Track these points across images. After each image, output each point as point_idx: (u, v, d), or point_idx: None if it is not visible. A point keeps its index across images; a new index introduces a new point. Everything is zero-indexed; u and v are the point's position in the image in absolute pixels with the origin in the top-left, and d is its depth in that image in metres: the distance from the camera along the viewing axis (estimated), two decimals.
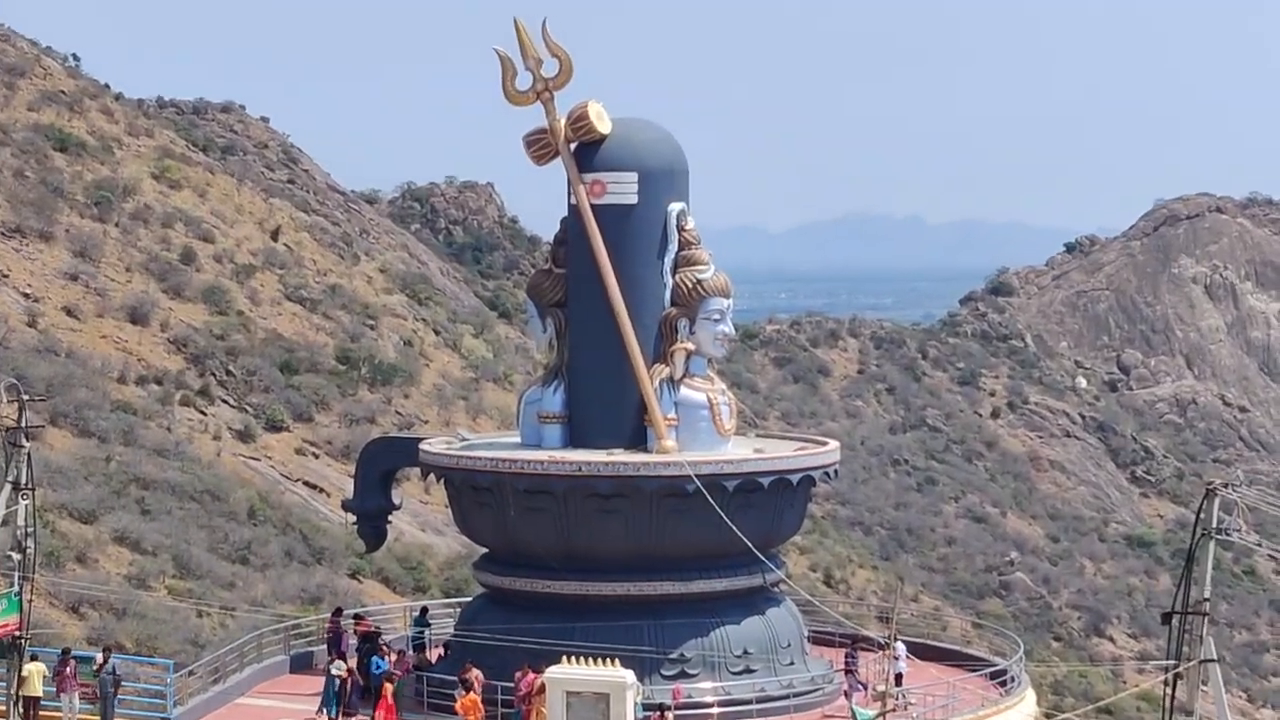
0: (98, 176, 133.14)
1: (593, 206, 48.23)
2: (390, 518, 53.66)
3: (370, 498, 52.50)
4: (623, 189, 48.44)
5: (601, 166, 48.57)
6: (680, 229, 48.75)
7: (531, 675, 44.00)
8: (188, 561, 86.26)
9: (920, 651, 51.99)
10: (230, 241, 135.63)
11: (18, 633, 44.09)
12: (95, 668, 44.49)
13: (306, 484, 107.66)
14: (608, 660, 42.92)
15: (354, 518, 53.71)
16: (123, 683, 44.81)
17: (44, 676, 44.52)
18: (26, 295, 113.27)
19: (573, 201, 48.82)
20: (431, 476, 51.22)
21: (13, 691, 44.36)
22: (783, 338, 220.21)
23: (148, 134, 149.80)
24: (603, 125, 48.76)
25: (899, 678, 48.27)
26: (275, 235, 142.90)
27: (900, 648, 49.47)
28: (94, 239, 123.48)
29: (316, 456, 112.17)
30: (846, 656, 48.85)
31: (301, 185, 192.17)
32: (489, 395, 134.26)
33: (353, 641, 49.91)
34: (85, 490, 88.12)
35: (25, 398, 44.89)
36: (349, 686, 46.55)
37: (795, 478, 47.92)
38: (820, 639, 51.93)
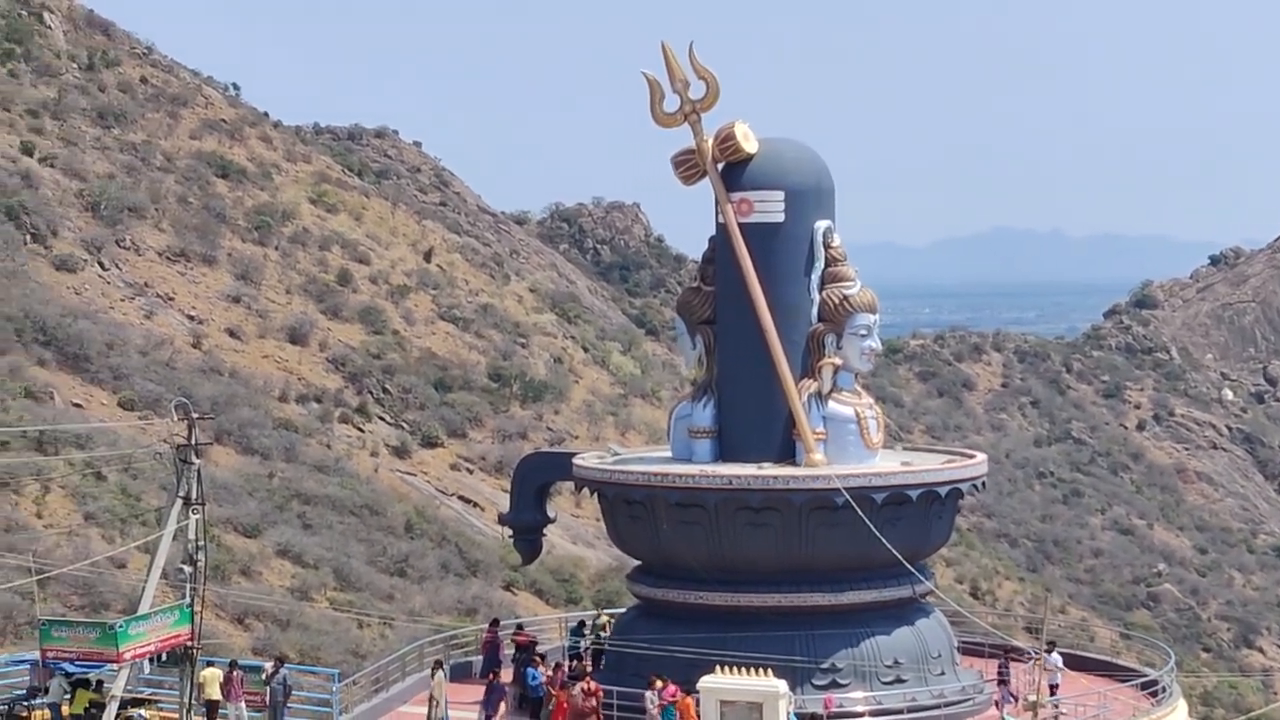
0: (257, 202, 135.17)
1: (740, 225, 48.36)
2: (544, 531, 54.06)
3: (526, 512, 52.92)
4: (770, 207, 48.54)
5: (749, 185, 48.70)
6: (826, 246, 48.76)
7: (672, 688, 44.23)
8: (348, 574, 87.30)
9: (1069, 662, 51.63)
10: (385, 263, 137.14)
11: (189, 643, 44.88)
12: (265, 677, 45.20)
13: (461, 498, 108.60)
14: (760, 670, 43.01)
15: (510, 531, 54.14)
16: (292, 692, 45.49)
17: (219, 683, 45.33)
18: (191, 317, 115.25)
19: (720, 220, 48.97)
20: (584, 490, 51.55)
21: (187, 699, 45.17)
22: (927, 352, 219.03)
23: (305, 160, 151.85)
24: (749, 145, 48.90)
25: (1053, 688, 47.94)
26: (428, 256, 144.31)
27: (1056, 658, 49.14)
28: (255, 262, 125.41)
29: (470, 471, 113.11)
30: (1000, 668, 48.61)
31: (453, 207, 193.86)
32: (637, 411, 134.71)
33: (509, 652, 50.31)
34: (249, 505, 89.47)
35: (194, 416, 45.64)
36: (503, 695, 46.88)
37: (943, 490, 47.77)
38: (969, 650, 51.68)
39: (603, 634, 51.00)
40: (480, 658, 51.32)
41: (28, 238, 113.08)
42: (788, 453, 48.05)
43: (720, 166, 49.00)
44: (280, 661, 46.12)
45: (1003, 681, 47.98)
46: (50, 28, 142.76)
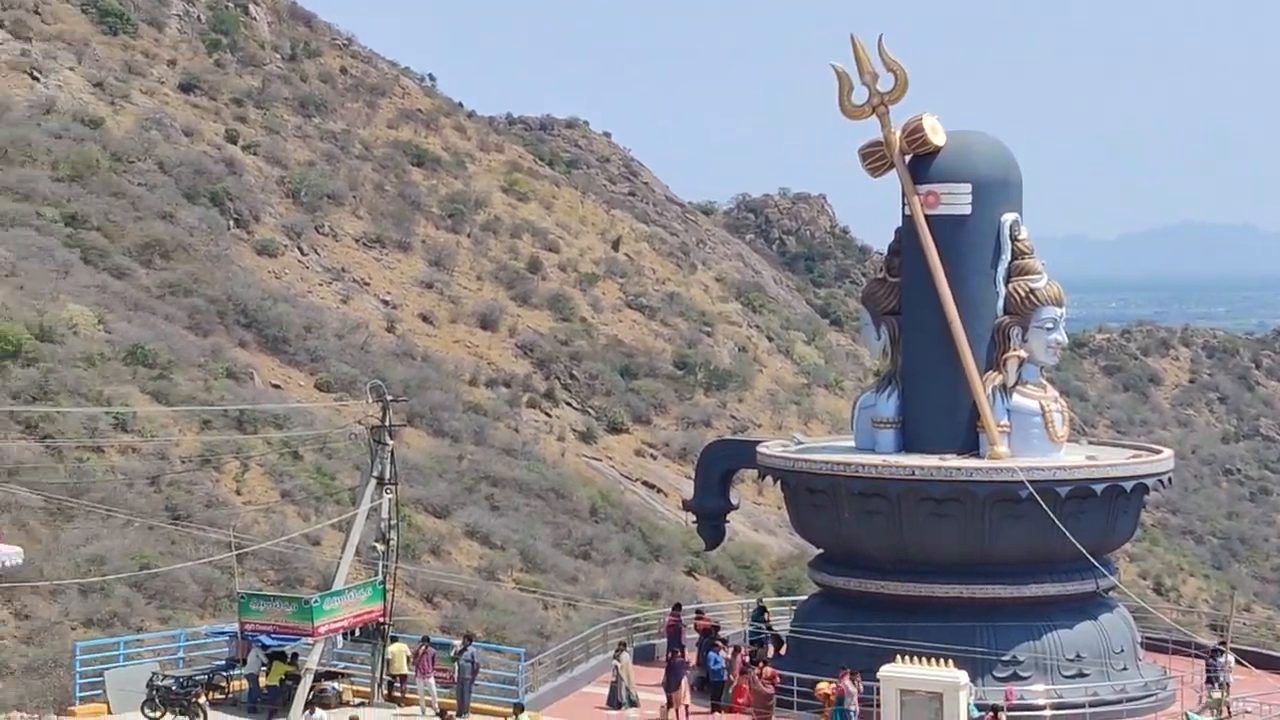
0: (451, 190, 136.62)
1: (927, 217, 48.08)
2: (727, 517, 54.15)
3: (710, 498, 53.05)
4: (957, 200, 48.20)
5: (936, 178, 48.39)
6: (1013, 239, 48.33)
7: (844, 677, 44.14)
8: (534, 556, 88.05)
9: (1256, 660, 50.73)
10: (574, 251, 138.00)
11: (381, 619, 45.60)
12: (453, 654, 45.75)
13: (645, 484, 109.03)
14: (940, 660, 42.79)
15: (694, 517, 54.30)
16: (479, 669, 46.00)
17: (406, 657, 45.98)
18: (386, 302, 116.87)
19: (907, 212, 48.73)
20: (767, 478, 51.57)
21: (379, 674, 45.89)
22: (1113, 346, 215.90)
23: (498, 149, 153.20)
24: (937, 138, 48.59)
25: (1226, 686, 47.19)
26: (616, 245, 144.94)
27: (1229, 658, 48.33)
28: (448, 249, 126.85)
29: (655, 457, 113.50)
30: (1207, 665, 47.92)
31: (642, 197, 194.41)
32: (820, 400, 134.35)
33: (691, 636, 50.47)
34: (439, 487, 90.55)
35: (388, 399, 46.33)
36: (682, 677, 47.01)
37: (1128, 485, 47.17)
38: (1152, 645, 50.99)
39: (762, 623, 51.16)
40: (663, 640, 51.52)
41: (231, 223, 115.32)
42: (971, 445, 47.71)
43: (907, 159, 48.76)
44: (468, 639, 46.65)
45: (1210, 680, 47.25)
46: (255, 19, 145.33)
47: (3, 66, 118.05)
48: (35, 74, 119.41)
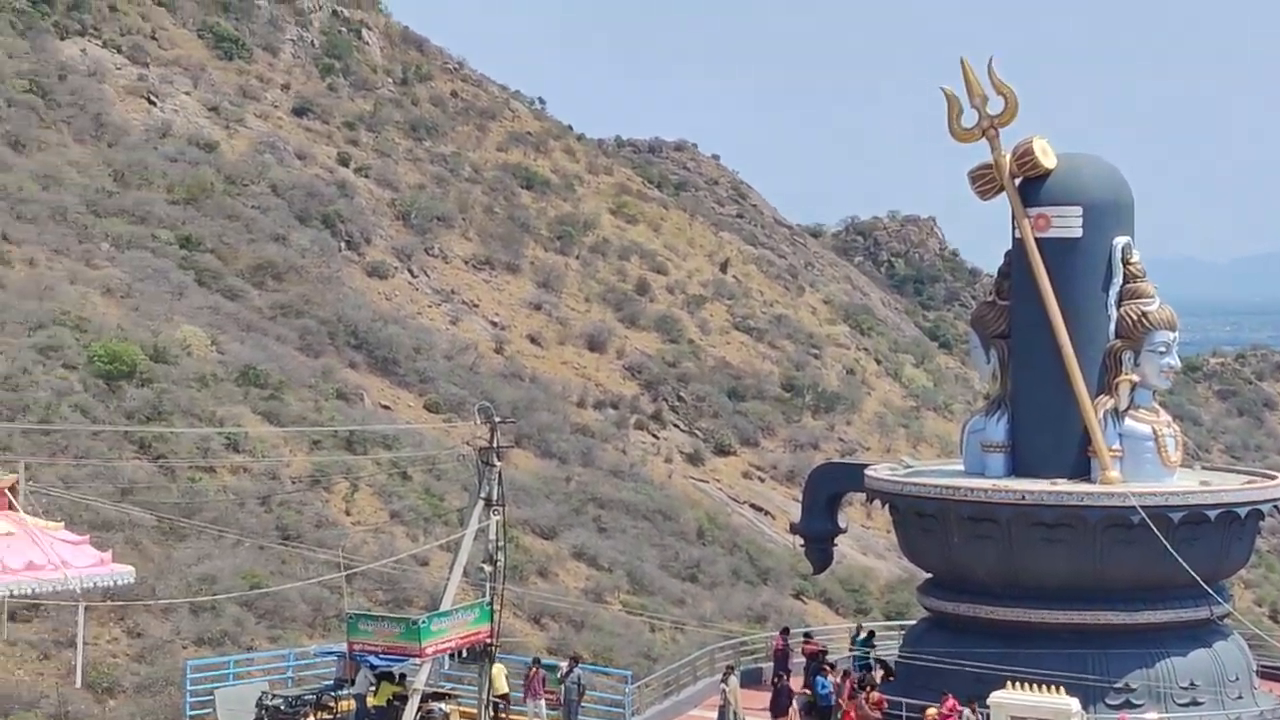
0: (560, 212, 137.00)
1: (1037, 240, 47.53)
2: (835, 541, 53.74)
3: (817, 521, 52.65)
4: (1067, 223, 47.62)
5: (1046, 201, 47.84)
6: (1125, 262, 47.67)
7: (952, 701, 43.62)
8: (641, 578, 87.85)
9: None
10: (682, 273, 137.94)
11: (488, 640, 45.52)
12: (560, 676, 45.65)
13: (753, 506, 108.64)
14: (1051, 687, 42.21)
15: (801, 540, 53.92)
16: (585, 691, 45.87)
17: (506, 677, 45.91)
18: (494, 323, 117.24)
19: (1017, 235, 48.20)
20: (876, 501, 51.10)
21: (485, 695, 45.81)
22: (1227, 370, 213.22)
23: (606, 172, 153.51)
24: (1048, 160, 48.05)
25: None
26: (724, 267, 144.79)
27: None
28: (556, 271, 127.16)
29: (762, 480, 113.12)
30: None
31: (750, 220, 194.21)
32: (929, 423, 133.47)
33: (799, 660, 50.12)
34: (546, 508, 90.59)
35: (496, 420, 46.29)
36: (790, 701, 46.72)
37: (1243, 511, 46.35)
38: (1268, 674, 50.09)
39: (870, 648, 50.75)
40: (771, 664, 51.21)
41: (342, 245, 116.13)
42: (1082, 470, 47.07)
43: (1018, 182, 48.23)
44: (574, 661, 46.52)
45: None
46: (368, 44, 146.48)
47: (121, 91, 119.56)
48: (152, 98, 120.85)
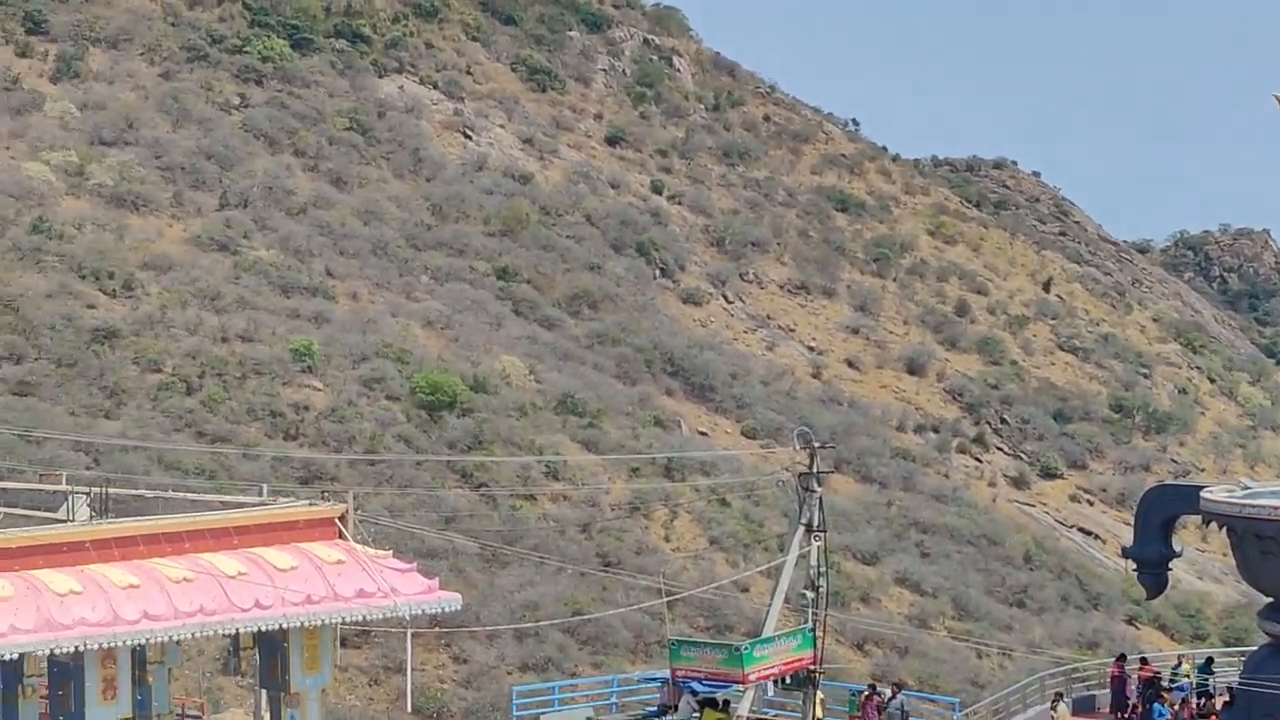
0: (876, 234, 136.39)
1: None
2: (1170, 565, 52.46)
3: (1151, 545, 51.41)
4: None
5: None
6: None
7: None
8: (966, 603, 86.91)
9: None
10: (1003, 294, 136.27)
11: (812, 666, 45.39)
12: (882, 702, 45.34)
13: (1081, 530, 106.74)
14: None
15: (1134, 565, 52.77)
16: (910, 718, 45.51)
17: (823, 702, 45.74)
18: (811, 348, 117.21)
19: None
20: (1212, 524, 49.74)
21: None
22: None
23: (923, 192, 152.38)
24: None
25: None
26: (1047, 287, 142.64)
27: None
28: (873, 294, 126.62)
29: (1091, 503, 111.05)
30: None
31: (1073, 237, 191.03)
32: (1267, 443, 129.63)
33: (1135, 687, 49.02)
34: (868, 533, 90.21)
35: (816, 445, 46.18)
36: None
37: None
38: None
39: (1209, 674, 49.39)
40: (1105, 691, 50.19)
41: (657, 272, 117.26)
42: None
43: None
44: (898, 687, 46.21)
45: None
46: (679, 71, 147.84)
47: (437, 126, 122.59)
48: (468, 133, 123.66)
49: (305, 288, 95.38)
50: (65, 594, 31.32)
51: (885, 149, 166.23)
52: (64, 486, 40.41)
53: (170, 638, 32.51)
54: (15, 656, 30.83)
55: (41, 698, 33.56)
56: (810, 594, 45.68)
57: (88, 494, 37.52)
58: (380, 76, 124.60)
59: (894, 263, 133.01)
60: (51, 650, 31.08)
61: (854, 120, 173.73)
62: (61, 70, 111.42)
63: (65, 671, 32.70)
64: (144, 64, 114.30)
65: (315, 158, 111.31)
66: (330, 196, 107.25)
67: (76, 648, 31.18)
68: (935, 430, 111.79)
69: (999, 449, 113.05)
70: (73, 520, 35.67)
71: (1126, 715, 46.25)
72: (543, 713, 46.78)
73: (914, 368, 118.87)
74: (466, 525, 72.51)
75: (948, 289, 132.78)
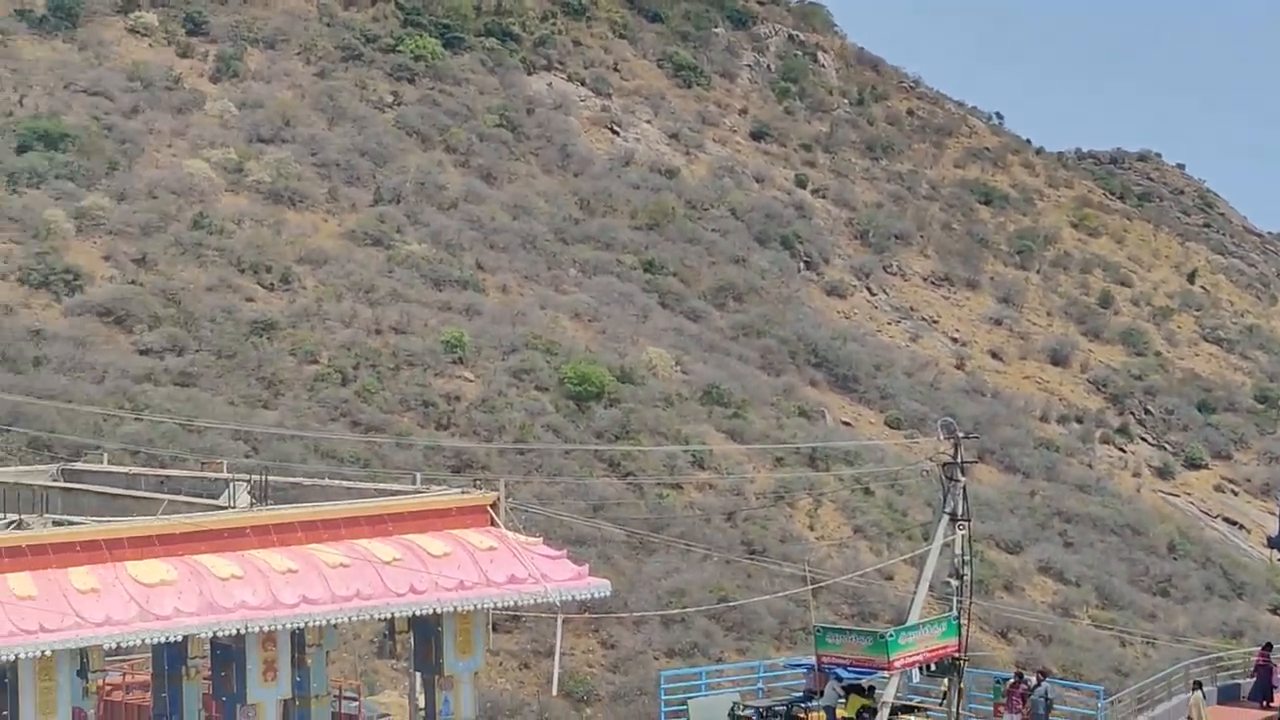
0: (1019, 227, 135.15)
1: None
2: None
3: None
4: None
5: None
6: None
7: None
8: (1109, 592, 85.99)
9: None
10: (1147, 285, 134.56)
11: (957, 654, 45.08)
12: (1028, 689, 44.93)
13: (1226, 520, 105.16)
14: None
15: (1278, 554, 51.97)
16: (1054, 706, 45.08)
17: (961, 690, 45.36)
18: (955, 339, 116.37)
19: None
20: None
21: (955, 708, 45.36)
22: None
23: (1066, 185, 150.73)
24: None
25: None
26: (1192, 278, 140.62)
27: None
28: (1016, 286, 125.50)
29: (1235, 494, 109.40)
30: None
31: (1217, 229, 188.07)
32: None
33: None
34: (1011, 523, 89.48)
35: (960, 435, 45.84)
36: None
37: None
38: None
39: None
40: (1250, 680, 49.46)
41: (801, 265, 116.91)
42: None
43: None
44: (1043, 675, 45.76)
45: None
46: (823, 66, 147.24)
47: (585, 122, 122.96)
48: (615, 128, 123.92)
49: (456, 281, 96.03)
50: (227, 578, 31.79)
51: (1029, 142, 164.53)
52: (225, 474, 41.03)
53: (328, 621, 32.88)
54: (180, 638, 31.33)
55: (205, 678, 34.07)
56: (954, 582, 45.39)
57: (248, 482, 38.04)
58: (529, 74, 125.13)
59: (1037, 255, 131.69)
60: (214, 633, 31.56)
61: (998, 114, 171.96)
62: (221, 70, 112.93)
63: (227, 653, 33.18)
64: (300, 63, 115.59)
65: (466, 154, 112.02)
66: (480, 192, 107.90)
67: (238, 630, 31.64)
68: (1079, 421, 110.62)
69: (1143, 439, 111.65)
70: (233, 507, 36.16)
71: (1272, 703, 45.48)
72: (689, 697, 46.79)
73: (1057, 359, 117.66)
74: (614, 513, 72.72)
75: (1091, 281, 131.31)
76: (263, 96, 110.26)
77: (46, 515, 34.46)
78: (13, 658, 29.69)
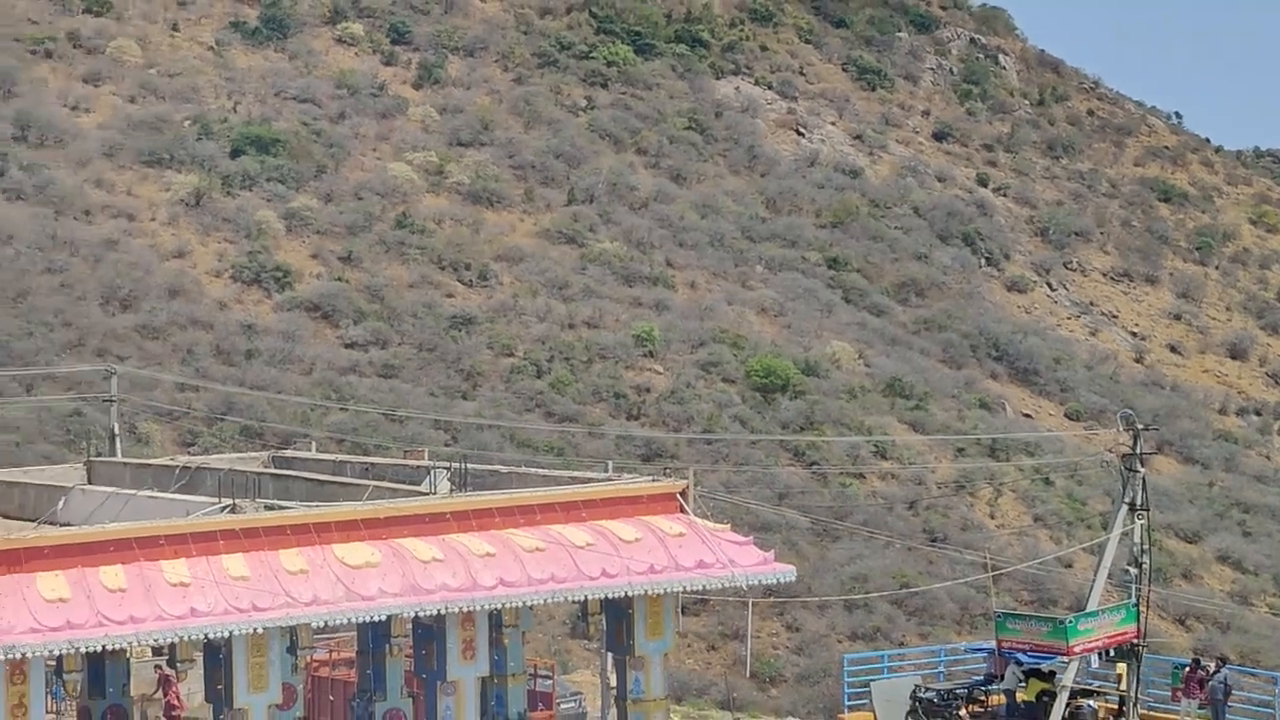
0: (1198, 224, 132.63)
1: None
2: None
3: None
4: None
5: None
6: None
7: None
8: None
9: None
10: None
11: (1135, 640, 44.34)
12: (1206, 676, 44.06)
13: None
14: None
15: None
16: (1232, 692, 44.14)
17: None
18: (1134, 334, 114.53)
19: None
20: None
21: (1134, 693, 44.63)
22: None
23: (1245, 182, 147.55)
24: None
25: None
26: None
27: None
28: (1195, 281, 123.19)
29: None
30: None
31: None
32: None
33: None
34: (1189, 513, 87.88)
35: (1139, 427, 45.10)
36: None
37: None
38: None
39: None
40: None
41: (982, 261, 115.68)
42: None
43: None
44: (1221, 662, 44.81)
45: None
46: (1004, 68, 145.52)
47: (771, 124, 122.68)
48: (800, 130, 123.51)
49: (647, 277, 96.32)
50: (428, 561, 32.06)
51: (1208, 140, 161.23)
52: (426, 462, 41.45)
53: (524, 603, 33.02)
54: (383, 618, 31.67)
55: (407, 656, 34.44)
56: (1133, 570, 44.65)
57: (448, 469, 38.34)
58: (718, 78, 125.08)
59: (1216, 251, 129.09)
60: (416, 613, 31.84)
61: (1177, 113, 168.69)
62: (423, 77, 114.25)
63: (428, 633, 33.49)
64: (498, 70, 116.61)
65: (656, 155, 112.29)
66: (670, 192, 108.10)
67: (439, 611, 31.90)
68: (1257, 413, 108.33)
69: None
70: (434, 493, 36.48)
71: None
72: (872, 680, 46.48)
73: (1236, 352, 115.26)
74: (799, 501, 72.52)
75: (1270, 276, 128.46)
76: (462, 102, 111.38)
77: (258, 500, 34.97)
78: (228, 635, 30.22)
